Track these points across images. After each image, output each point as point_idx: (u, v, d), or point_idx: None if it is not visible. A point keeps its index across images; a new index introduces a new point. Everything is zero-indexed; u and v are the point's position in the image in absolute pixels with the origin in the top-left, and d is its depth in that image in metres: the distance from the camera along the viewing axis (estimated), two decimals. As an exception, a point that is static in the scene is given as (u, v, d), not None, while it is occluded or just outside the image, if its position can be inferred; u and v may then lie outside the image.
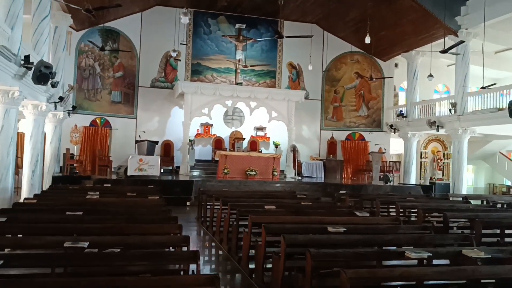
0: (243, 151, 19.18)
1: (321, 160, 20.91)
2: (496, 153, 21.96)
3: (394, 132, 19.94)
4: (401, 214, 8.74)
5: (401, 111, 19.50)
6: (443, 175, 22.26)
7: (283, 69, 21.07)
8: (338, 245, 5.07)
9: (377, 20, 18.29)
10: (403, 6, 16.35)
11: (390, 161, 19.26)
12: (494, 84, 13.72)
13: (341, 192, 11.65)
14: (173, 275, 3.90)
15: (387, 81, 21.27)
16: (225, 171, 16.54)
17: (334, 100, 21.56)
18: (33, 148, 12.80)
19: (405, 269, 3.54)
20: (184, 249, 4.34)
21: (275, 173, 17.00)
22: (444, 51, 12.11)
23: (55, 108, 13.94)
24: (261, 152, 19.60)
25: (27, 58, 9.97)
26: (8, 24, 9.60)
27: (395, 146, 21.59)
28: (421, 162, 22.76)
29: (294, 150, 18.70)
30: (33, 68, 9.83)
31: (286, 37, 13.33)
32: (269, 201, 8.48)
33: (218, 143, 19.93)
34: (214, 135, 20.09)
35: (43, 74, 9.90)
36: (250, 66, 19.43)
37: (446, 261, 4.54)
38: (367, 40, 14.40)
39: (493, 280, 3.83)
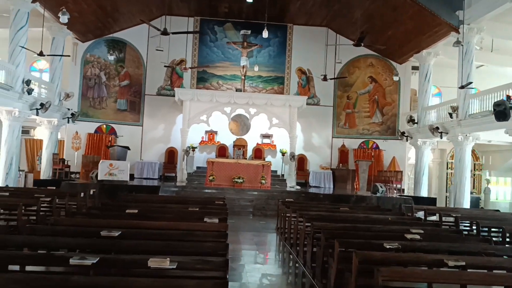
0: (245, 158, 18.75)
1: (331, 169, 19.81)
2: (531, 164, 19.33)
3: (407, 140, 18.30)
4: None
5: (411, 117, 17.86)
6: (473, 187, 20.01)
7: (292, 75, 20.35)
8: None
9: (378, 18, 17.08)
10: (398, 1, 15.04)
11: (394, 171, 17.70)
12: (471, 83, 11.98)
13: (287, 200, 10.84)
14: None
15: (403, 85, 19.71)
16: (211, 178, 16.24)
17: (346, 106, 20.37)
18: (7, 152, 13.53)
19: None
20: None
21: (263, 181, 16.33)
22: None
23: (37, 114, 14.62)
24: (264, 160, 19.01)
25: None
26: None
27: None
28: (447, 173, 20.73)
29: (293, 158, 17.94)
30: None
31: (172, 33, 12.99)
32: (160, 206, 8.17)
33: (221, 151, 19.68)
34: (218, 142, 19.87)
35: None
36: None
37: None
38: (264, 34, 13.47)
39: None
